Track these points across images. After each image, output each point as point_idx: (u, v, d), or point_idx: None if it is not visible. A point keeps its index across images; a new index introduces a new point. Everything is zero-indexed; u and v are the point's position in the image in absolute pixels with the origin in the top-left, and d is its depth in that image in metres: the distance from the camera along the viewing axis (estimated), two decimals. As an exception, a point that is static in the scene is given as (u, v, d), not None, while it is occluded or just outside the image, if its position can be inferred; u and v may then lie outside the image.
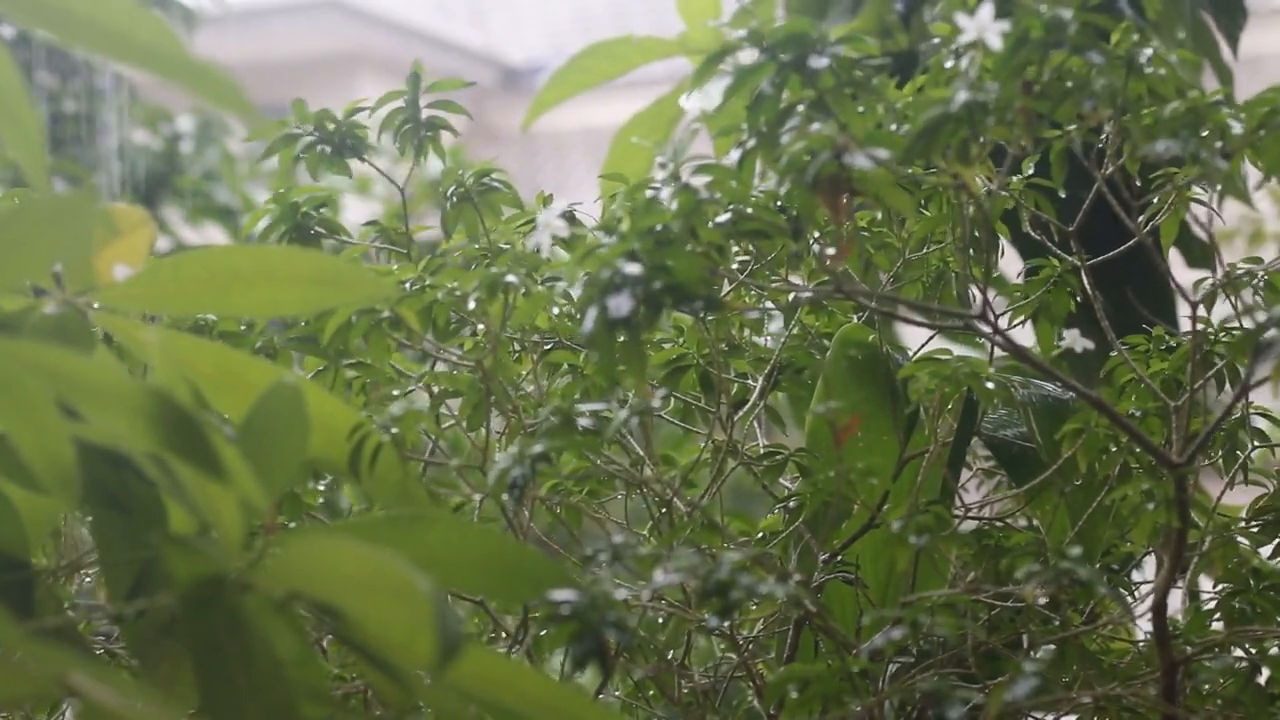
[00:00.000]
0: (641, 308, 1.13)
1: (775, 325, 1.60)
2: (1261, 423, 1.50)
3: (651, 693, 1.51)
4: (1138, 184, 1.37)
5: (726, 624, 1.39)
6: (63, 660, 0.85)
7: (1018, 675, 1.18)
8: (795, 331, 1.56)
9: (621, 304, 1.13)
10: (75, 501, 0.98)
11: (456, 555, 1.03)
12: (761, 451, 1.55)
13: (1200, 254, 2.39)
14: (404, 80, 1.57)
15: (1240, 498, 1.51)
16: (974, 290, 1.34)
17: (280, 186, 1.59)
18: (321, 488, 1.51)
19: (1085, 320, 1.49)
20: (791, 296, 1.39)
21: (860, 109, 1.21)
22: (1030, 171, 1.45)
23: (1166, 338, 1.51)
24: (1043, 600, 1.33)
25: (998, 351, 1.40)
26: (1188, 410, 1.38)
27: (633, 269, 1.14)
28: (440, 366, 1.49)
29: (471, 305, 1.35)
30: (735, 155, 1.22)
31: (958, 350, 1.47)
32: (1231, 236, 4.61)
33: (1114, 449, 1.43)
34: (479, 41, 13.98)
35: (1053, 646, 1.38)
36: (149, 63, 1.00)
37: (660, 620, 1.45)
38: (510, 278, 1.32)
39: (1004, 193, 1.41)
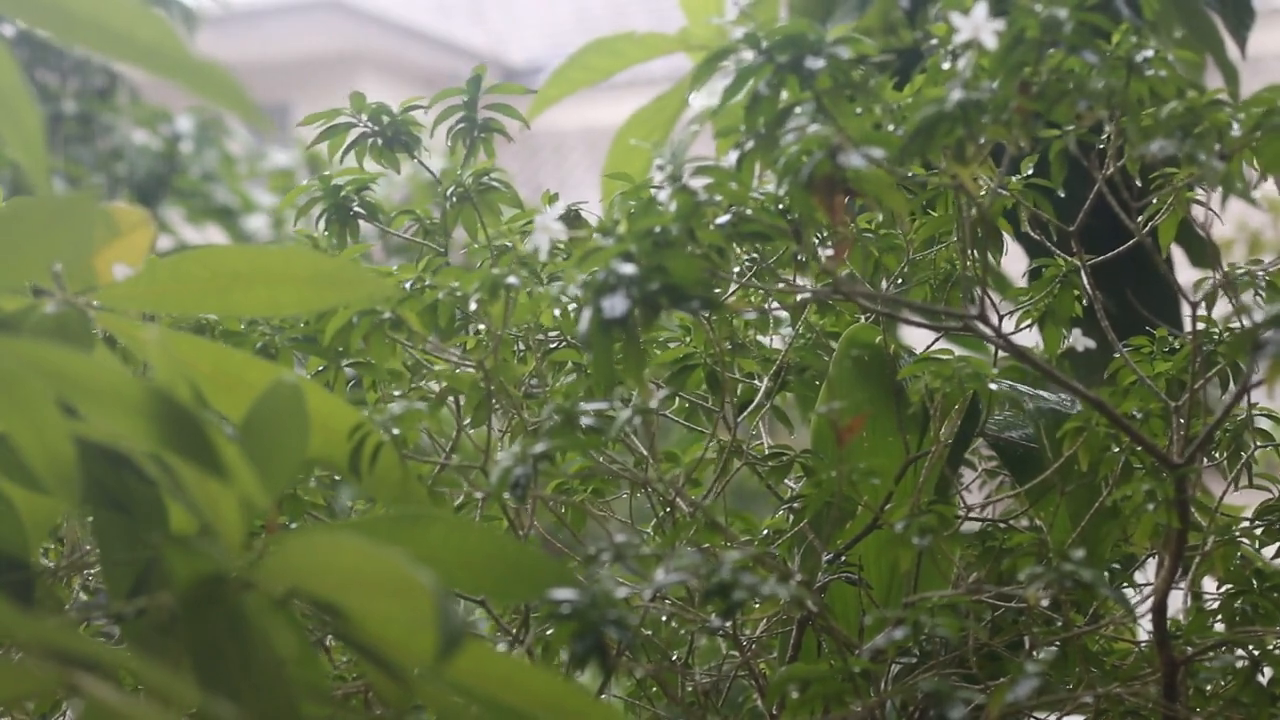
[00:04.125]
0: (637, 308, 1.13)
1: (787, 327, 1.59)
2: (1265, 423, 1.49)
3: (654, 690, 1.51)
4: (1139, 184, 1.37)
5: (729, 624, 1.39)
6: (74, 655, 0.85)
7: (1019, 676, 1.18)
8: (802, 332, 1.56)
9: (616, 304, 1.13)
10: (75, 501, 0.98)
11: (457, 555, 1.03)
12: (766, 452, 1.55)
13: (1203, 253, 2.39)
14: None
15: (1245, 499, 1.51)
16: (977, 291, 1.34)
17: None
18: (322, 485, 1.51)
19: (1088, 320, 1.49)
20: (796, 298, 1.39)
21: (858, 110, 1.21)
22: (1030, 171, 1.45)
23: (1169, 339, 1.51)
24: (1045, 602, 1.33)
25: (1001, 352, 1.40)
26: (1189, 411, 1.38)
27: (627, 269, 1.14)
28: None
29: (473, 306, 1.35)
30: (734, 157, 1.22)
31: (963, 352, 1.47)
32: (1229, 244, 4.61)
33: (1115, 449, 1.43)
34: (479, 41, 13.99)
35: (1055, 647, 1.38)
36: (150, 62, 1.00)
37: (663, 619, 1.45)
38: (510, 278, 1.32)
39: (1004, 193, 1.41)
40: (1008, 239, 1.52)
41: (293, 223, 1.66)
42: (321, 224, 1.59)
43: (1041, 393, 1.58)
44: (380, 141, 1.58)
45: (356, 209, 1.58)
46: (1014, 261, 1.77)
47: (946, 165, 1.21)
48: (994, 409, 1.56)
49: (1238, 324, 1.42)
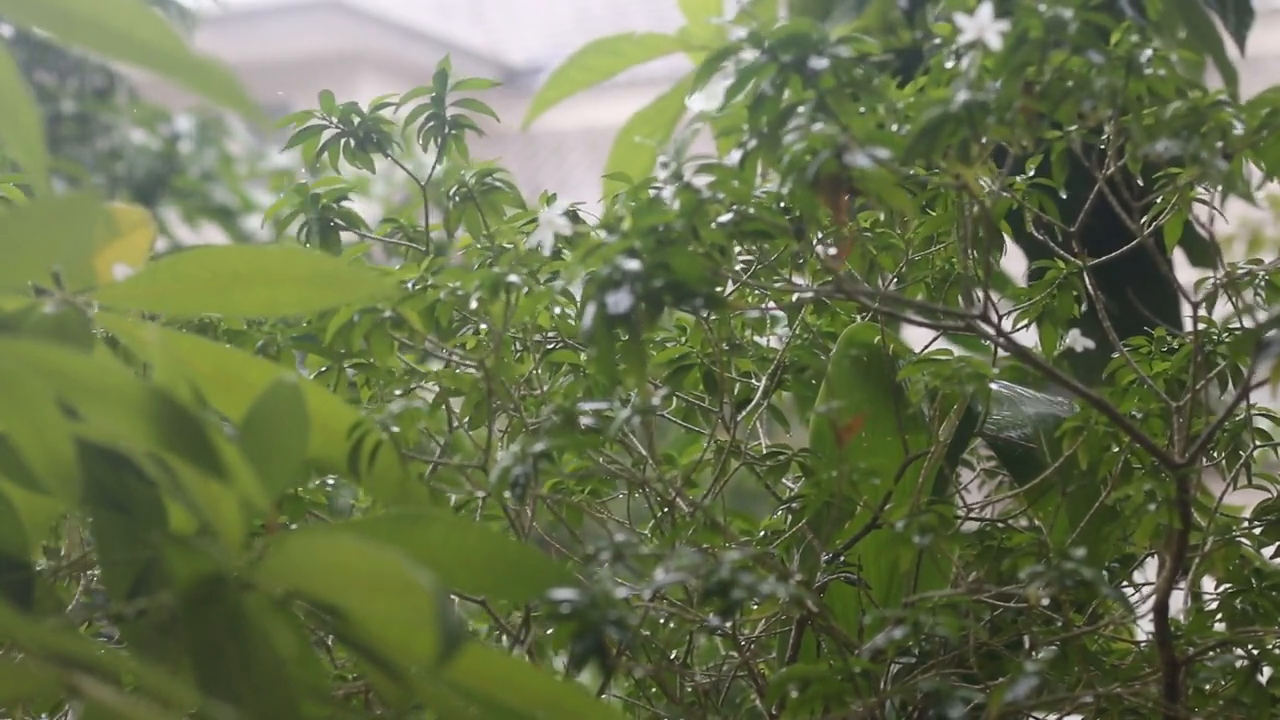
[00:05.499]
0: (641, 305, 1.13)
1: (783, 327, 1.59)
2: (1264, 423, 1.49)
3: (654, 691, 1.51)
4: (1140, 184, 1.37)
5: (728, 624, 1.39)
6: (74, 656, 0.85)
7: (1019, 675, 1.18)
8: (799, 331, 1.56)
9: (620, 301, 1.13)
10: (75, 501, 0.98)
11: (457, 555, 1.03)
12: (764, 451, 1.54)
13: (1204, 253, 2.39)
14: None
15: (1246, 498, 1.51)
16: (977, 291, 1.34)
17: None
18: (324, 486, 1.51)
19: (1089, 321, 1.49)
20: (795, 297, 1.39)
21: (861, 109, 1.21)
22: (1032, 172, 1.45)
23: (1168, 339, 1.51)
24: (1045, 601, 1.33)
25: (1001, 352, 1.40)
26: (1189, 411, 1.38)
27: (632, 265, 1.13)
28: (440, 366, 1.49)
29: (474, 305, 1.35)
30: (737, 155, 1.22)
31: (963, 352, 1.47)
32: (1230, 241, 4.61)
33: (1115, 449, 1.43)
34: (479, 41, 13.99)
35: (1054, 647, 1.38)
36: (150, 61, 1.00)
37: (662, 620, 1.45)
38: (512, 277, 1.32)
39: (1006, 193, 1.41)
40: (1008, 239, 1.52)
41: (275, 235, 1.64)
42: (303, 235, 1.57)
43: (1041, 396, 1.58)
44: (352, 142, 1.57)
45: (336, 220, 1.57)
46: (1014, 261, 1.77)
47: (950, 165, 1.20)
48: (992, 407, 1.56)
49: (1238, 324, 1.42)
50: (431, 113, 1.57)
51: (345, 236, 1.59)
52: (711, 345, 1.50)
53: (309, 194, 1.56)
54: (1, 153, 1.44)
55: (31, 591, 1.11)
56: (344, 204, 1.58)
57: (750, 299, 1.41)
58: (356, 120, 1.57)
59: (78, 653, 0.85)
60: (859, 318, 1.58)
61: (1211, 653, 1.37)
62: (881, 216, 1.50)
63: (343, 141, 1.57)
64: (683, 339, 1.54)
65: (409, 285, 1.37)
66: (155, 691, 0.87)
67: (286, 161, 6.65)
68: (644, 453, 1.45)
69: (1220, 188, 1.27)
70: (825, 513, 1.42)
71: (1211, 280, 1.42)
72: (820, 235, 1.35)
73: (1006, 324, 1.36)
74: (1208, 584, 1.47)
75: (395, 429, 1.25)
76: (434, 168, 1.58)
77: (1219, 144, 1.23)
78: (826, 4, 2.53)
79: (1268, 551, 1.47)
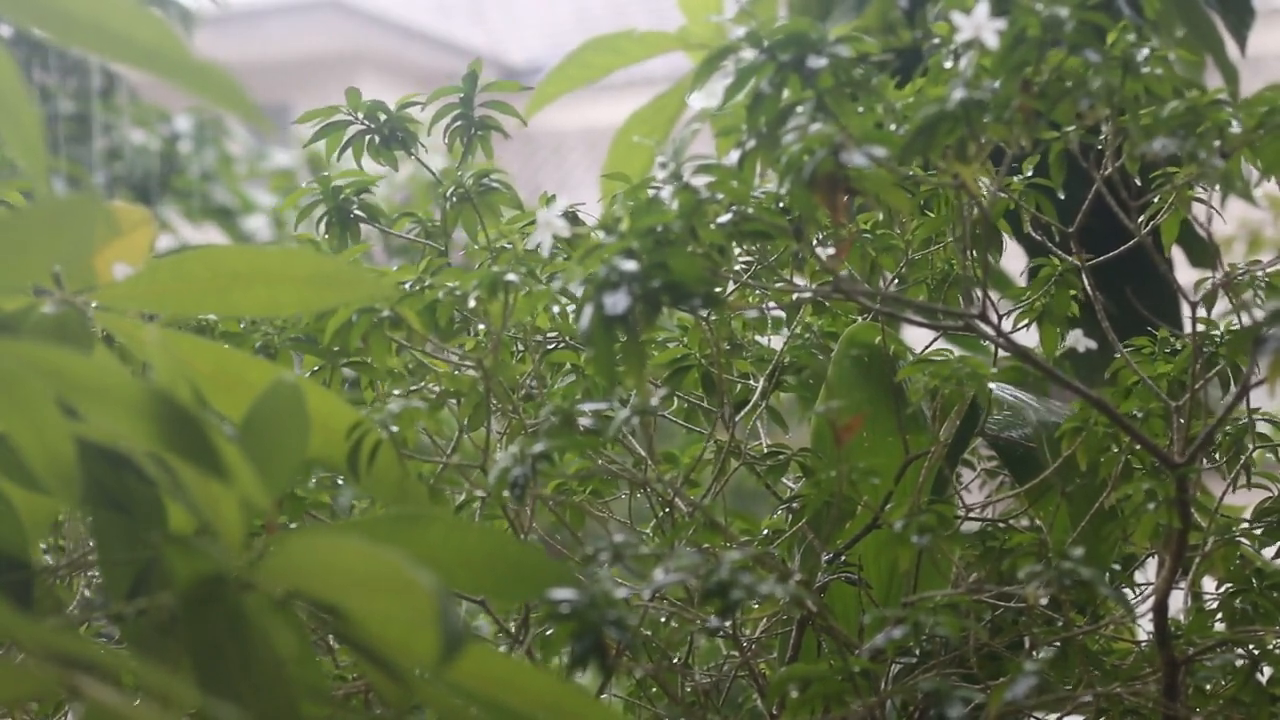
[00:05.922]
0: (639, 305, 1.13)
1: (784, 327, 1.59)
2: (1265, 425, 1.49)
3: (654, 690, 1.51)
4: (1138, 184, 1.37)
5: (729, 624, 1.39)
6: (75, 656, 0.85)
7: (1019, 675, 1.18)
8: (799, 331, 1.56)
9: (618, 301, 1.13)
10: (75, 501, 0.98)
11: (457, 555, 1.03)
12: (764, 451, 1.54)
13: (1203, 253, 2.39)
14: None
15: (1246, 498, 1.51)
16: (976, 291, 1.34)
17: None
18: (323, 485, 1.51)
19: (1089, 321, 1.49)
20: (795, 297, 1.39)
21: (860, 109, 1.21)
22: (1030, 172, 1.45)
23: (1170, 339, 1.51)
24: (1045, 601, 1.33)
25: (1001, 352, 1.40)
26: (1189, 411, 1.38)
27: (629, 266, 1.13)
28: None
29: (472, 304, 1.35)
30: (736, 155, 1.22)
31: (963, 352, 1.47)
32: (1230, 242, 4.61)
33: (1115, 449, 1.43)
34: (479, 41, 14.00)
35: (1055, 647, 1.38)
36: (150, 63, 1.00)
37: (663, 619, 1.45)
38: (510, 276, 1.32)
39: (1004, 194, 1.41)
40: (1008, 239, 1.52)
41: (294, 225, 1.65)
42: (322, 227, 1.58)
43: (1039, 401, 1.58)
44: (377, 139, 1.58)
45: (357, 211, 1.58)
46: (1014, 261, 1.77)
47: (948, 165, 1.21)
48: (993, 409, 1.56)
49: (1238, 324, 1.42)
50: (460, 113, 1.58)
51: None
52: (710, 346, 1.50)
53: (330, 186, 1.57)
54: (1, 153, 1.44)
55: (31, 591, 1.11)
56: (365, 196, 1.58)
57: (750, 299, 1.41)
58: (383, 117, 1.57)
59: (78, 653, 0.86)
60: (860, 318, 1.58)
61: (1211, 652, 1.38)
62: (881, 217, 1.50)
63: (367, 139, 1.58)
64: (682, 339, 1.54)
65: (407, 286, 1.38)
66: (155, 691, 0.87)
67: (287, 162, 6.65)
68: (642, 454, 1.45)
69: (1219, 187, 1.27)
70: (825, 513, 1.42)
71: (1211, 280, 1.42)
72: (820, 236, 1.35)
73: (1006, 324, 1.36)
74: (1208, 584, 1.47)
75: (394, 429, 1.25)
76: (459, 167, 1.59)
77: (1216, 143, 1.23)
78: (826, 3, 2.53)
79: (1268, 551, 1.47)
